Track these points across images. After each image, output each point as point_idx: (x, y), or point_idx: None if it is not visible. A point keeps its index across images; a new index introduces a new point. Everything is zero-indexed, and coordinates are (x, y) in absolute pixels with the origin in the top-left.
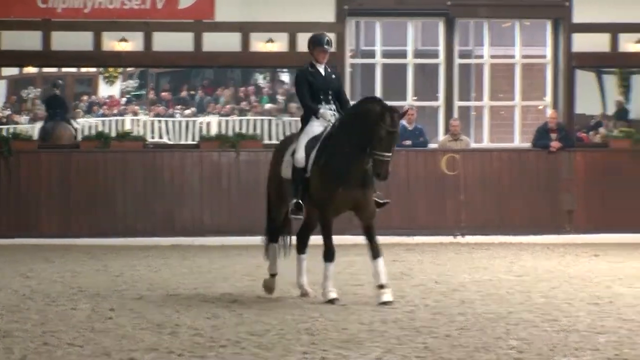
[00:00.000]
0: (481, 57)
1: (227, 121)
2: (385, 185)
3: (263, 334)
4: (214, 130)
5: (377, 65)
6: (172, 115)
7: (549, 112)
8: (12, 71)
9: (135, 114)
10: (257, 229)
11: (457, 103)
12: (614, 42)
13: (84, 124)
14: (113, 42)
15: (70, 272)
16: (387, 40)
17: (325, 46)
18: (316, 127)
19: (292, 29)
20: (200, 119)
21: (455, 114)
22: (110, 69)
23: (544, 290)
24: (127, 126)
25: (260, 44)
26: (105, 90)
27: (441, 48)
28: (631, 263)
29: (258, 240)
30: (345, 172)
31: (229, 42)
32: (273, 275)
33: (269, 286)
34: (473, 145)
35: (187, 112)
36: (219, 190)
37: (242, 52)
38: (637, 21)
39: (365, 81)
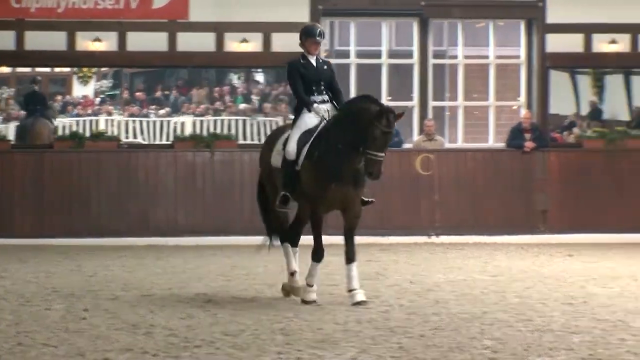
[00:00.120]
0: (455, 57)
1: (201, 121)
2: None
3: (237, 334)
4: (188, 130)
5: (351, 65)
6: (146, 115)
7: (523, 112)
8: None
9: (109, 114)
10: (231, 229)
11: (432, 103)
12: (588, 43)
13: (57, 123)
14: (87, 42)
15: (45, 272)
16: (362, 40)
17: (317, 37)
18: (310, 120)
19: (266, 29)
20: (175, 119)
21: (430, 114)
22: (84, 69)
23: (518, 290)
24: (101, 126)
25: (234, 44)
26: (79, 90)
27: (415, 48)
28: (605, 263)
29: (232, 240)
30: (339, 169)
31: (203, 42)
32: (293, 274)
33: (290, 287)
34: (447, 145)
35: (162, 112)
36: (193, 191)
37: (217, 52)
38: (610, 21)
39: (340, 81)
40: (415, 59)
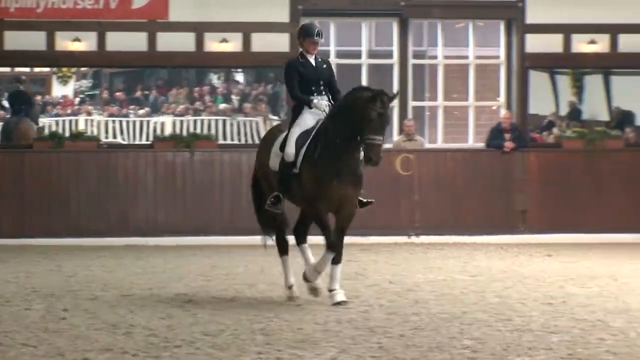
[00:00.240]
0: (435, 57)
1: (181, 121)
2: None
3: (217, 334)
4: (168, 131)
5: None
6: (126, 115)
7: (503, 112)
8: None
9: (89, 114)
10: (211, 229)
11: (411, 103)
12: (567, 43)
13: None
14: (66, 42)
15: (24, 272)
16: (341, 40)
17: (316, 37)
18: (309, 120)
19: (246, 29)
20: (155, 119)
21: (410, 114)
22: (64, 69)
23: (498, 290)
24: (81, 126)
25: (214, 44)
26: (58, 90)
27: (395, 48)
28: (584, 263)
29: (212, 240)
30: (339, 166)
31: (183, 42)
32: (290, 287)
33: (290, 297)
34: (427, 145)
35: (141, 112)
36: (173, 190)
37: (196, 52)
38: (590, 22)
39: None
40: (395, 59)
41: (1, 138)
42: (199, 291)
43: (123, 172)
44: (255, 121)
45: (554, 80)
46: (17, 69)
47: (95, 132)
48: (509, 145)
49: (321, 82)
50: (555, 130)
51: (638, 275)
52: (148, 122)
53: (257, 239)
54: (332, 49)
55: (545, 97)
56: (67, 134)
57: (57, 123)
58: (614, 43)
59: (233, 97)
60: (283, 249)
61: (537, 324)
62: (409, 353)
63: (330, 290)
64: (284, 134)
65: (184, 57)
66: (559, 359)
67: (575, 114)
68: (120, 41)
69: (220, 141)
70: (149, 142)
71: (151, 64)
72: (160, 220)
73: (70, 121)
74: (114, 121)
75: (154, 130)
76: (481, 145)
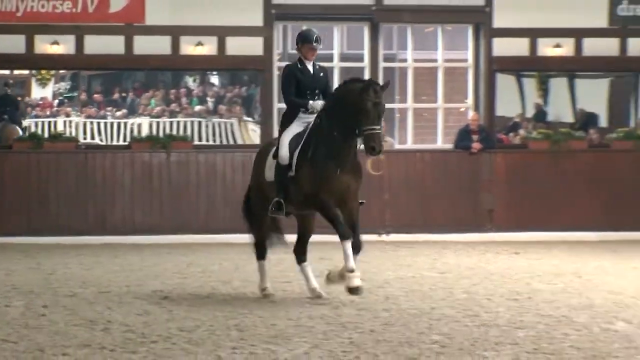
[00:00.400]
0: (405, 60)
1: (157, 123)
2: None
3: (193, 329)
4: (145, 132)
5: None
6: (103, 117)
7: (471, 114)
8: None
9: (67, 115)
10: (187, 227)
11: None
12: (533, 47)
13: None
14: (45, 45)
15: (4, 270)
16: None
17: (314, 43)
18: (298, 126)
19: (220, 32)
20: (132, 121)
21: None
22: (43, 72)
23: (466, 287)
24: (60, 127)
25: (189, 48)
26: (38, 92)
27: (366, 52)
28: (549, 260)
29: (188, 238)
30: (337, 158)
31: (159, 45)
32: (264, 289)
33: (266, 296)
34: (397, 146)
35: (119, 113)
36: (150, 190)
37: (172, 55)
38: (555, 26)
39: None
40: (366, 63)
41: None
42: (175, 288)
43: (101, 172)
44: (229, 122)
45: (521, 83)
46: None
47: (73, 133)
48: (476, 146)
49: (317, 91)
50: (521, 131)
51: (601, 273)
52: (125, 123)
53: (231, 238)
54: None
55: (511, 100)
56: (46, 135)
57: (36, 124)
58: (578, 47)
59: (208, 99)
60: (261, 254)
61: (503, 320)
62: (379, 348)
63: (349, 271)
64: (276, 147)
65: (160, 60)
66: (525, 354)
67: (540, 115)
68: (98, 44)
69: (196, 142)
70: (126, 143)
71: (128, 66)
72: (138, 219)
73: (49, 122)
74: (92, 122)
75: (131, 132)
76: (449, 146)
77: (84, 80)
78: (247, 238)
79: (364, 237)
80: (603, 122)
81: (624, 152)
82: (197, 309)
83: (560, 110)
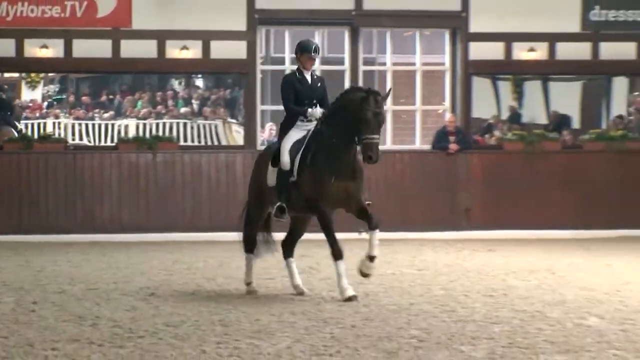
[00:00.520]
0: (384, 64)
1: (144, 124)
2: None
3: (179, 325)
4: (132, 133)
5: (286, 71)
6: (92, 119)
7: (448, 116)
8: None
9: (56, 117)
10: (173, 226)
11: None
12: (508, 51)
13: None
14: (35, 49)
15: None
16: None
17: (313, 53)
18: (298, 133)
19: (205, 36)
20: (119, 122)
21: None
22: (33, 75)
23: (443, 283)
24: (49, 129)
25: (175, 51)
26: (27, 94)
27: (346, 55)
28: (524, 257)
29: (174, 237)
30: (336, 164)
31: (145, 49)
32: (249, 284)
33: (250, 292)
34: None
35: (106, 115)
36: (136, 190)
37: (159, 59)
38: (529, 31)
39: (275, 86)
40: (346, 66)
41: None
42: (162, 285)
43: (89, 172)
44: (214, 124)
45: (496, 86)
46: None
47: (62, 135)
48: (453, 147)
49: (315, 99)
50: (496, 132)
51: (574, 270)
52: (113, 124)
53: (216, 236)
54: (287, 56)
55: (487, 102)
56: (36, 136)
57: (26, 126)
58: (552, 51)
59: (193, 101)
60: (249, 247)
61: (479, 315)
62: (359, 342)
63: (369, 258)
64: (274, 154)
65: (147, 64)
66: (500, 348)
67: (515, 117)
68: (86, 48)
69: (182, 143)
70: (113, 144)
71: (115, 70)
72: (125, 218)
73: (39, 124)
74: (80, 124)
75: (119, 133)
76: (427, 147)
77: (73, 83)
78: (231, 236)
79: (344, 236)
80: (576, 123)
81: (596, 153)
82: (183, 305)
83: (534, 112)
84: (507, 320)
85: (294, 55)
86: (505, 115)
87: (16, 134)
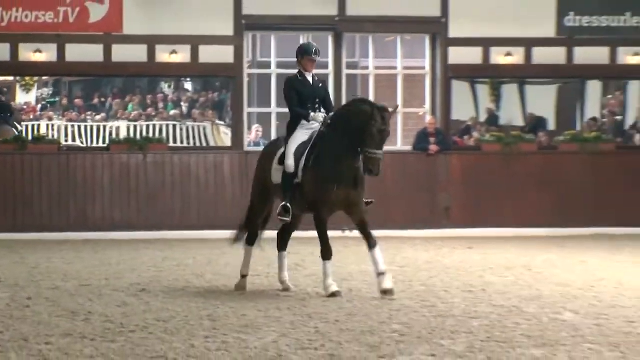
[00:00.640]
0: (367, 68)
1: (135, 126)
2: None
3: (169, 320)
4: (123, 134)
5: (272, 75)
6: (84, 121)
7: (428, 118)
8: None
9: (50, 119)
10: (163, 224)
11: None
12: (486, 55)
13: None
14: (29, 53)
15: None
16: (282, 52)
17: (314, 56)
18: (304, 135)
19: (194, 41)
20: (111, 124)
21: None
22: (27, 78)
23: (424, 280)
24: (43, 130)
25: (165, 55)
26: (22, 97)
27: (330, 60)
28: (501, 254)
29: (164, 235)
30: (339, 171)
31: (136, 53)
32: (244, 277)
33: (241, 286)
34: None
35: (98, 117)
36: (127, 190)
37: (149, 63)
38: (506, 36)
39: (262, 89)
40: (330, 70)
41: None
42: (152, 281)
43: (82, 173)
44: (203, 126)
45: (474, 89)
46: None
47: (56, 136)
48: (433, 148)
49: (317, 100)
50: (475, 134)
51: (550, 266)
52: (104, 126)
53: (204, 234)
54: (273, 60)
55: (466, 105)
56: (30, 137)
57: (20, 128)
58: (528, 55)
59: (182, 104)
60: (251, 240)
61: (459, 310)
62: (343, 336)
63: (380, 274)
64: (282, 150)
65: (137, 67)
66: (479, 342)
67: (493, 119)
68: (79, 53)
69: (171, 144)
70: (105, 145)
71: (107, 73)
72: (116, 217)
73: (33, 126)
74: (73, 126)
75: (110, 134)
76: (408, 148)
77: (66, 86)
78: (219, 234)
79: (329, 233)
80: (551, 125)
81: (571, 154)
82: (172, 301)
83: (511, 114)
84: (485, 315)
85: (280, 59)
86: (483, 117)
87: (17, 134)
